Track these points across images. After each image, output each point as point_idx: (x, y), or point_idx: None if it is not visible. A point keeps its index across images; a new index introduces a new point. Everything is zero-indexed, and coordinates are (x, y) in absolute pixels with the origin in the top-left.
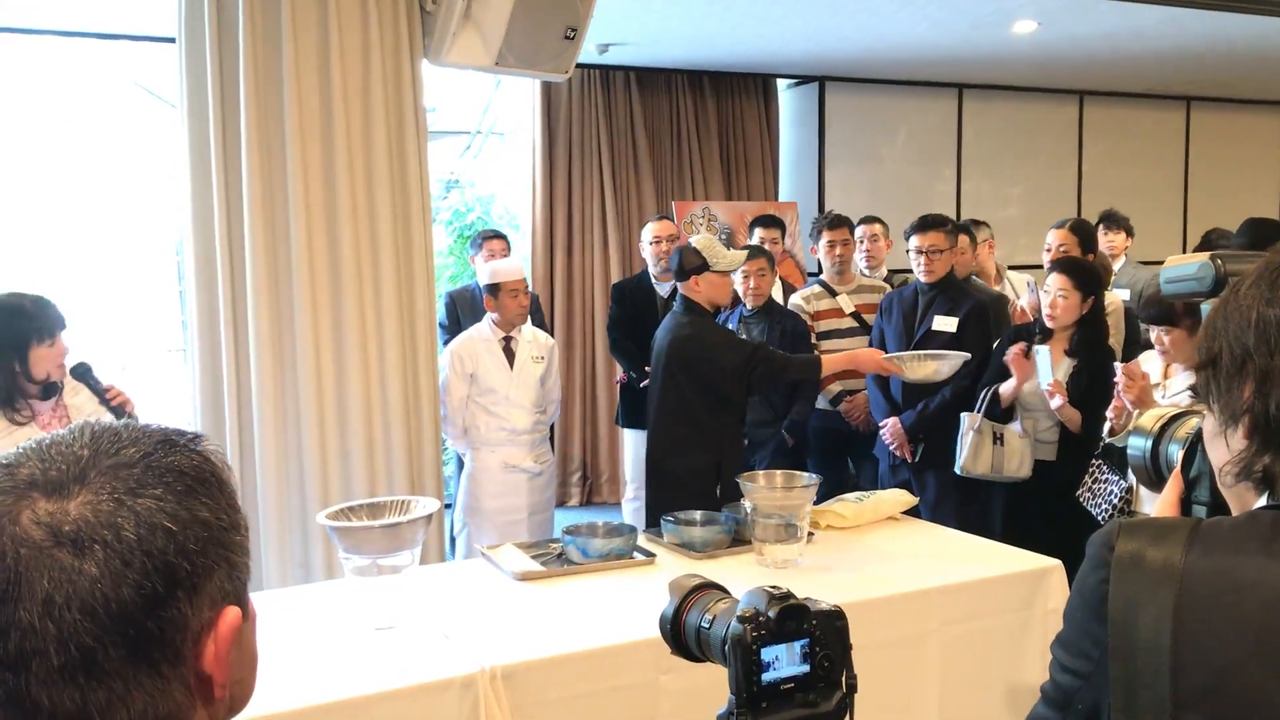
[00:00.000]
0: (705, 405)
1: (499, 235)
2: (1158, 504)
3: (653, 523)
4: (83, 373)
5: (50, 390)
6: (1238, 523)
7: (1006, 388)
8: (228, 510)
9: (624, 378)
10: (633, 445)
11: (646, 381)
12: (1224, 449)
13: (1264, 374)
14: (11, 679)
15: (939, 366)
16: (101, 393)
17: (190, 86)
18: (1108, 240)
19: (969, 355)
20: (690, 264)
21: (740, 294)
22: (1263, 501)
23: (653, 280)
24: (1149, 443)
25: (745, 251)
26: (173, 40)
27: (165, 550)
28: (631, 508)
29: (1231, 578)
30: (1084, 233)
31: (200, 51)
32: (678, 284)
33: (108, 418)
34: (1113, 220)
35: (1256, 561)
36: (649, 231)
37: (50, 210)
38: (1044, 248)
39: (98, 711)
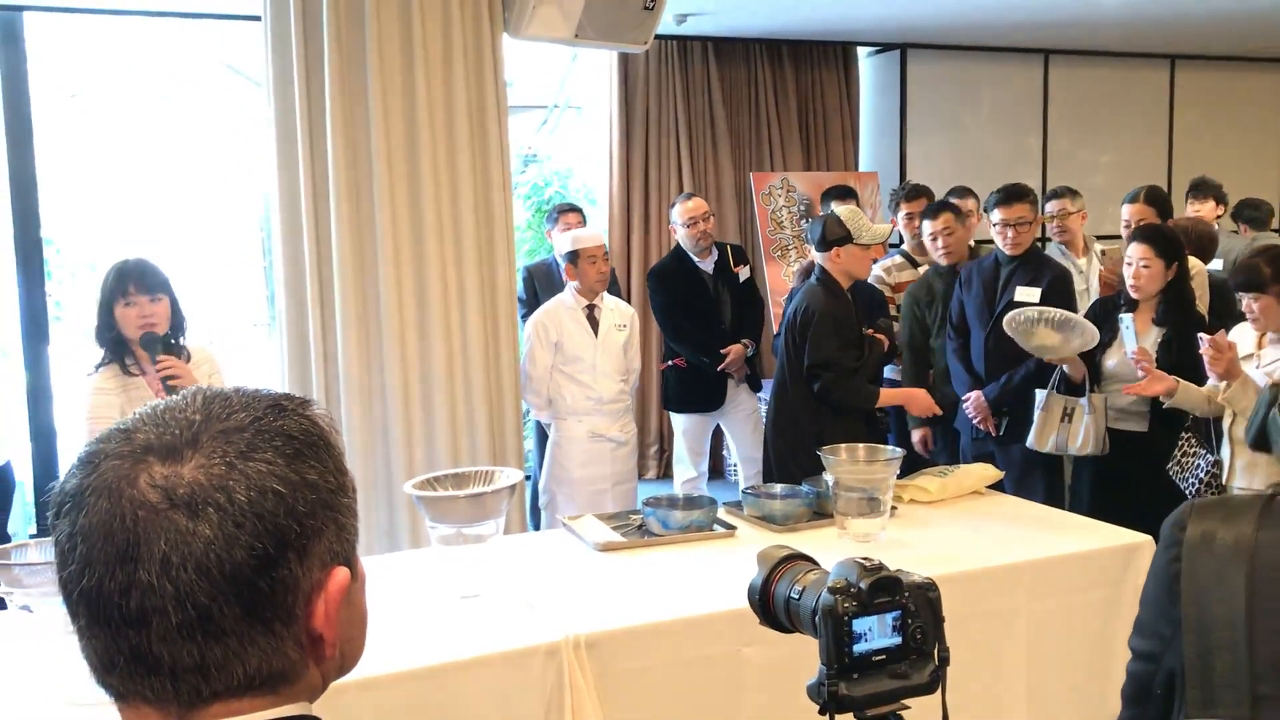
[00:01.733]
0: (811, 378)
1: (575, 209)
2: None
3: (771, 479)
4: (147, 343)
5: (170, 348)
6: None
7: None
8: (335, 473)
9: (679, 361)
10: (684, 429)
11: (723, 365)
12: None
13: None
14: (134, 635)
15: (1066, 337)
16: (154, 361)
17: (275, 65)
18: (1194, 210)
19: (1096, 331)
20: (834, 235)
21: (905, 233)
22: None
23: (693, 258)
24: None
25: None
26: (258, 19)
27: (275, 512)
28: (686, 489)
29: None
30: (1159, 201)
31: (285, 30)
32: (817, 254)
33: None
34: (1202, 188)
35: None
36: (683, 212)
37: (143, 188)
38: (1121, 222)
39: (215, 667)
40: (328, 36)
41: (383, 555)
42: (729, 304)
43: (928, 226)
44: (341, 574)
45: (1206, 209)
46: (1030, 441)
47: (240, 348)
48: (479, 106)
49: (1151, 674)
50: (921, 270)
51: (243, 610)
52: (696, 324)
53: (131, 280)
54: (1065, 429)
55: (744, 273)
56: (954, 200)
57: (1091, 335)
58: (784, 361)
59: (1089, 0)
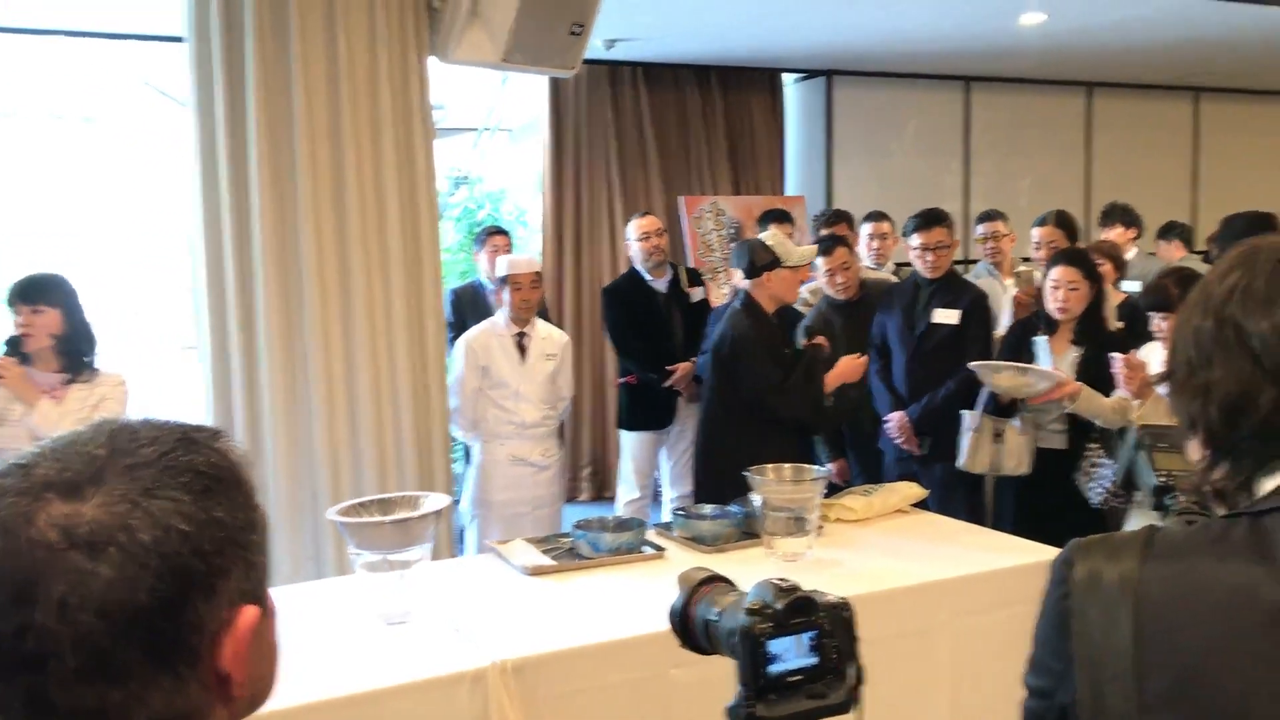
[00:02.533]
0: (740, 405)
1: (502, 231)
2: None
3: (701, 500)
4: (7, 344)
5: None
6: (1189, 533)
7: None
8: (245, 509)
9: (631, 379)
10: (631, 448)
11: (670, 381)
12: (1189, 458)
13: (1205, 387)
14: (30, 680)
15: (1031, 381)
16: None
17: (199, 85)
18: (1106, 234)
19: (1062, 375)
20: (762, 260)
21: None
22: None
23: (646, 277)
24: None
25: (815, 247)
26: (181, 40)
27: (180, 552)
28: (628, 511)
29: (1186, 583)
30: (1067, 224)
31: (208, 51)
32: (746, 280)
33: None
34: (1111, 214)
35: (1208, 566)
36: (636, 228)
37: (66, 209)
38: (1032, 245)
39: (114, 712)
40: (251, 58)
41: (308, 582)
42: (680, 323)
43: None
44: (250, 613)
45: (1116, 233)
46: (962, 463)
47: (169, 371)
48: (405, 128)
49: (1046, 709)
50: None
51: (145, 653)
52: (646, 341)
53: (19, 290)
54: (999, 450)
55: (697, 293)
56: (870, 225)
57: (1050, 376)
58: (712, 385)
59: (1009, 29)
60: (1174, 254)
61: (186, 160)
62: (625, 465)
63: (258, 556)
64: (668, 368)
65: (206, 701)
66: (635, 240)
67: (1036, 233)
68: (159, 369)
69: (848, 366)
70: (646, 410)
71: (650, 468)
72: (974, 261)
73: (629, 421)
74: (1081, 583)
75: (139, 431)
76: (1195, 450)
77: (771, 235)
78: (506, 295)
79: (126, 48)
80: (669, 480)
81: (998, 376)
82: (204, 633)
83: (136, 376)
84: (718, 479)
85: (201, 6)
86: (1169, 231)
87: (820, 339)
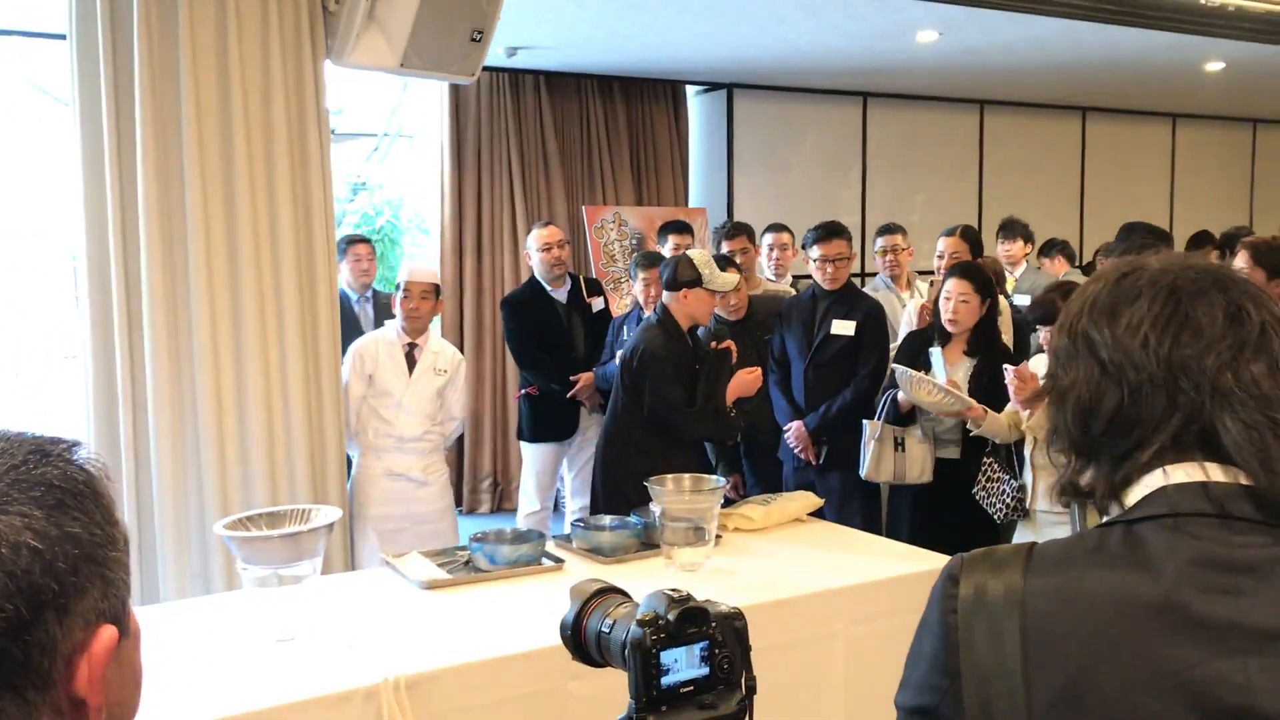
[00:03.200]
0: (642, 417)
1: (364, 240)
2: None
3: (598, 510)
4: None
5: None
6: (1067, 544)
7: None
8: (103, 524)
9: (532, 390)
10: (532, 460)
11: (573, 392)
12: (1055, 465)
13: (1063, 394)
14: None
15: (945, 400)
16: None
17: (82, 85)
18: (1005, 248)
19: (972, 403)
20: (684, 276)
21: (641, 301)
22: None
23: (546, 287)
24: None
25: (737, 276)
26: (64, 37)
27: (30, 570)
28: (529, 523)
29: (1068, 592)
30: (972, 238)
31: (93, 49)
32: (665, 293)
33: None
34: (1011, 228)
35: (1088, 575)
36: (538, 238)
37: None
38: (935, 254)
39: None
40: (138, 58)
41: (195, 599)
42: (581, 333)
43: (818, 251)
44: (108, 633)
45: (1016, 247)
46: (865, 473)
47: (53, 381)
48: (300, 132)
49: None
50: None
51: None
52: (547, 352)
53: None
54: (901, 459)
55: (597, 303)
56: (770, 236)
57: (962, 403)
58: (617, 395)
59: (905, 47)
60: (1058, 269)
61: (69, 162)
62: (526, 477)
63: (117, 574)
64: (571, 378)
65: None
66: (537, 250)
67: (942, 243)
68: (37, 378)
69: (743, 381)
70: (548, 422)
71: (552, 480)
72: (872, 275)
73: (530, 433)
74: (968, 599)
75: None
76: (1059, 455)
77: (699, 254)
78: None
79: (7, 44)
80: (571, 492)
81: (917, 388)
82: (56, 655)
83: (11, 386)
84: (616, 489)
85: (85, 3)
86: (1051, 248)
87: (728, 343)
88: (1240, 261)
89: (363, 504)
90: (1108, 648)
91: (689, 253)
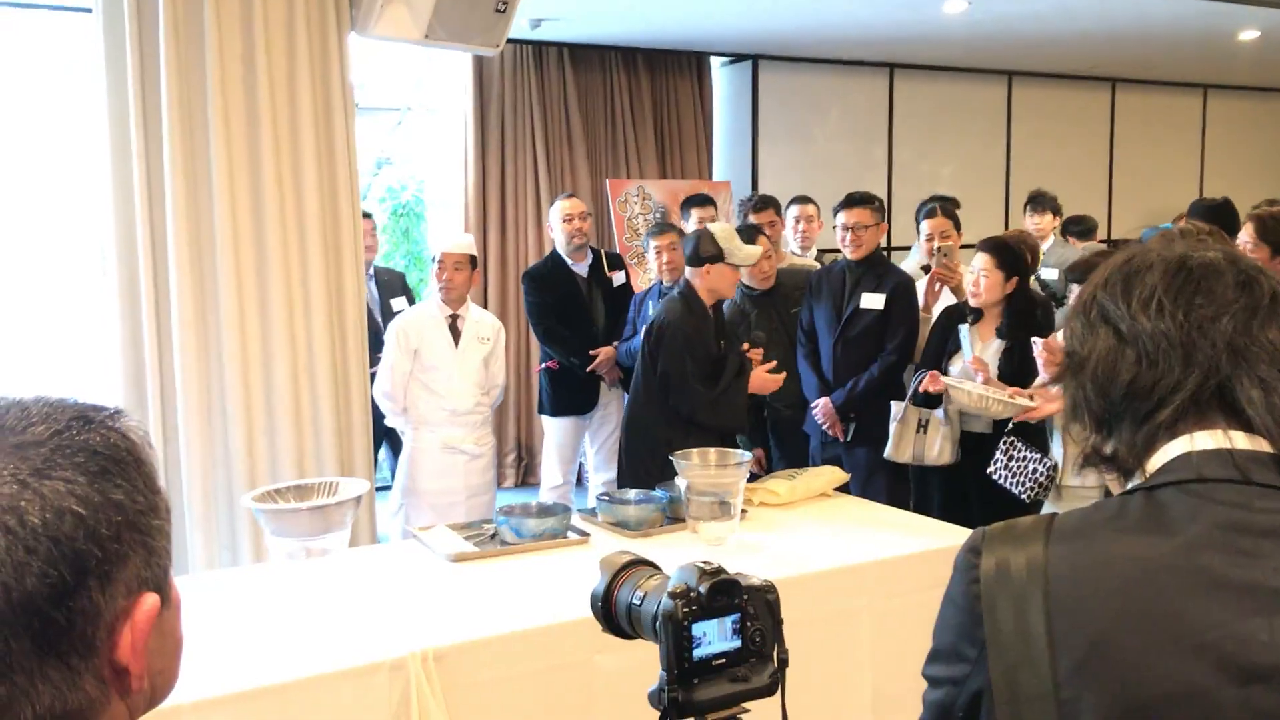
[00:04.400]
0: (663, 390)
1: (366, 215)
2: None
3: (625, 484)
4: None
5: None
6: (1087, 512)
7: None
8: (146, 492)
9: (553, 364)
10: (554, 434)
11: (593, 366)
12: (1074, 440)
13: (1080, 365)
14: None
15: (993, 407)
16: None
17: (109, 61)
18: (1034, 221)
19: (1028, 403)
20: (706, 251)
21: (655, 270)
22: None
23: (567, 260)
24: None
25: (759, 250)
26: (89, 11)
27: (74, 536)
28: (553, 496)
29: (1089, 557)
30: (953, 215)
31: (118, 24)
32: (687, 268)
33: None
34: (1039, 201)
35: (1109, 541)
36: (560, 210)
37: None
38: (924, 236)
39: None
40: (164, 31)
41: (223, 570)
42: (602, 307)
43: (841, 218)
44: (150, 601)
45: (1045, 220)
46: (888, 453)
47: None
48: (325, 106)
49: (954, 699)
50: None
51: (34, 644)
52: (568, 326)
53: None
54: (921, 440)
55: (618, 277)
56: (796, 207)
57: (1014, 405)
58: (640, 369)
59: (931, 17)
60: (1047, 224)
61: (96, 137)
62: (548, 451)
63: (159, 542)
64: (590, 352)
65: (102, 695)
66: (559, 222)
67: (926, 225)
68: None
69: (762, 378)
70: (569, 396)
71: (573, 453)
72: (901, 248)
73: (551, 407)
74: (990, 572)
75: (30, 409)
76: (1081, 428)
77: (721, 229)
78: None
79: (35, 18)
80: (594, 465)
81: (958, 393)
82: (99, 622)
83: (43, 360)
84: (642, 463)
85: None
86: (1038, 202)
87: (754, 352)
88: (1245, 235)
89: (417, 478)
90: (1131, 610)
91: (711, 227)
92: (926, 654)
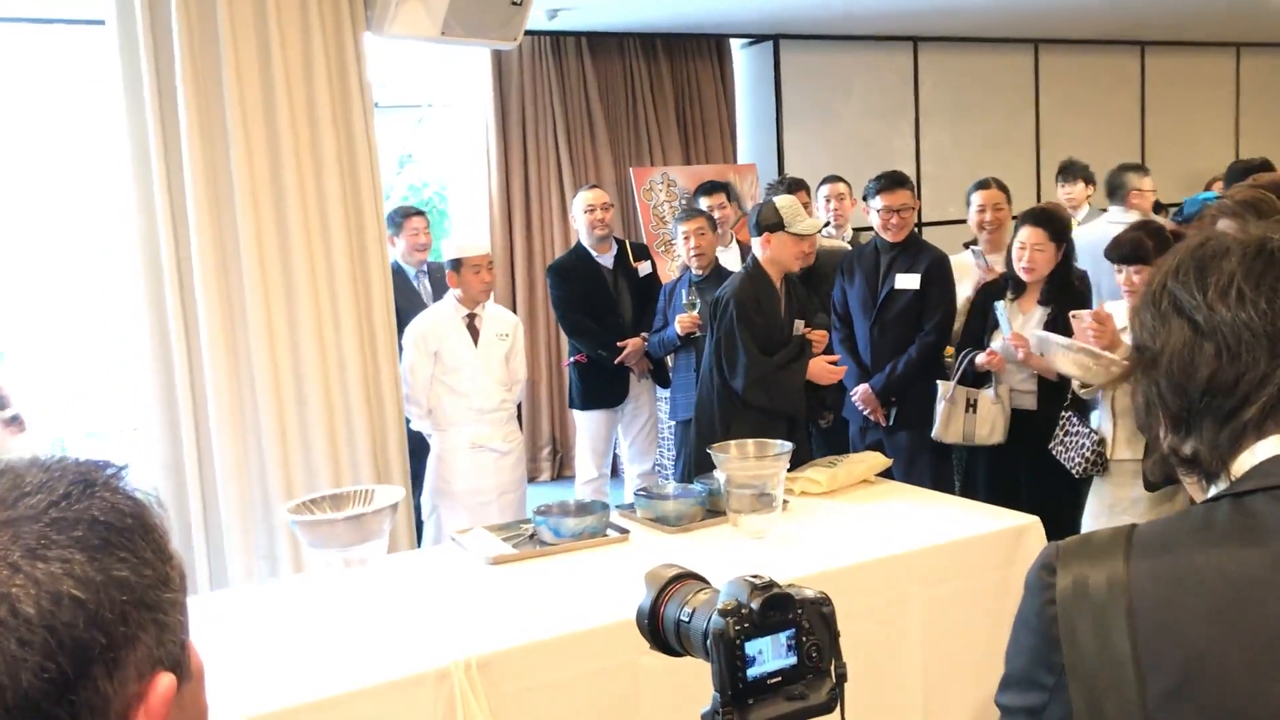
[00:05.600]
0: (720, 368)
1: (420, 212)
2: None
3: (700, 469)
4: None
5: None
6: (1170, 523)
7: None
8: (155, 563)
9: (581, 357)
10: (586, 427)
11: (620, 358)
12: (1157, 437)
13: (1153, 360)
14: None
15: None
16: None
17: (125, 70)
18: (1066, 191)
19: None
20: (767, 220)
21: (684, 256)
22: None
23: (591, 252)
24: None
25: (822, 221)
26: (103, 23)
27: (74, 624)
28: (586, 490)
29: (1177, 574)
30: (1004, 187)
31: (133, 33)
32: (752, 238)
33: None
34: (1070, 170)
35: (1197, 555)
36: (582, 200)
37: None
38: (975, 209)
39: None
40: (178, 39)
41: (262, 584)
42: (628, 298)
43: (882, 201)
44: (165, 682)
45: (1077, 190)
46: (936, 433)
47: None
48: (343, 107)
49: None
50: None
51: None
52: (594, 318)
53: None
54: (971, 419)
55: (644, 267)
56: (827, 186)
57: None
58: (709, 350)
59: None
60: (1079, 195)
61: (116, 149)
62: (581, 445)
63: (173, 616)
64: (618, 344)
65: None
66: (581, 213)
67: (979, 196)
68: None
69: (821, 367)
70: (598, 389)
71: (606, 446)
72: (931, 224)
73: (581, 401)
74: (1067, 591)
75: (23, 476)
76: (1160, 427)
77: (785, 199)
78: (458, 278)
79: (53, 33)
80: (629, 457)
81: (1061, 357)
82: (109, 713)
83: (75, 380)
84: (704, 445)
85: None
86: (1069, 172)
87: (816, 333)
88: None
89: (448, 479)
90: (1226, 629)
91: (776, 198)
92: (999, 679)
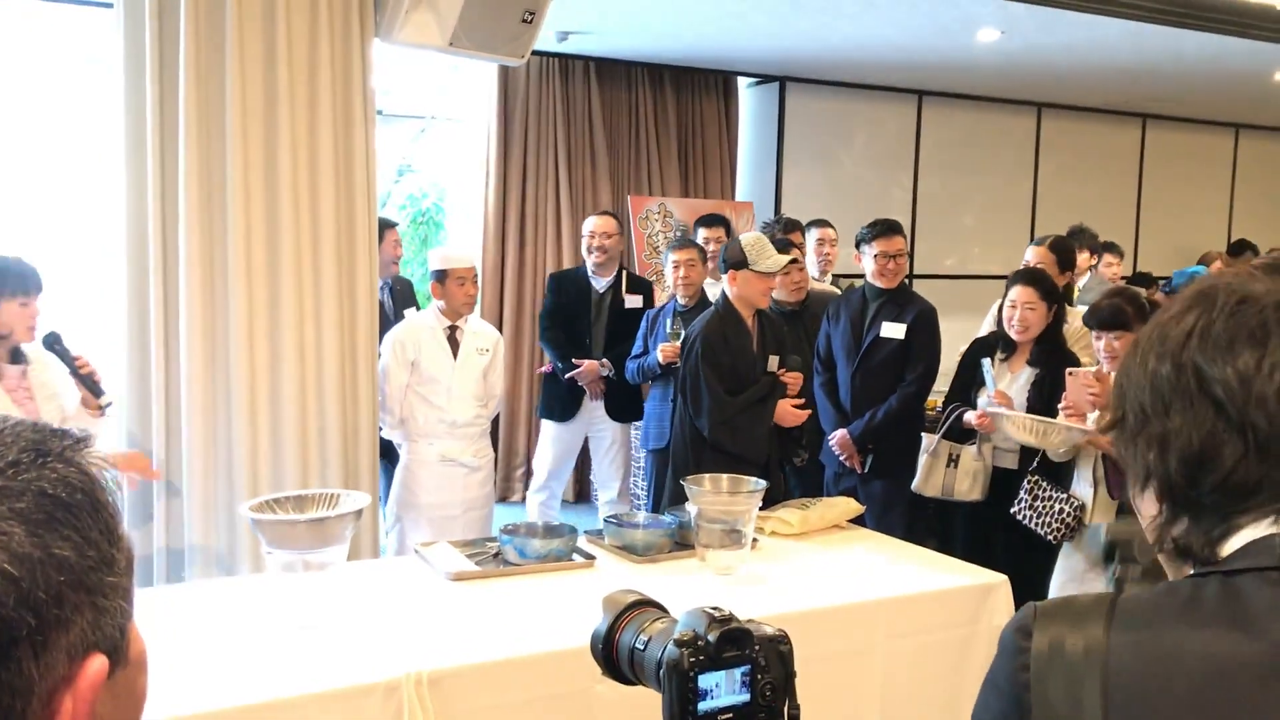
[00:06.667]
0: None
1: (394, 225)
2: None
3: (674, 501)
4: (52, 342)
5: (18, 355)
6: (1156, 596)
7: (970, 417)
8: (100, 543)
9: (549, 367)
10: (545, 435)
11: (573, 374)
12: (1140, 512)
13: (1162, 437)
14: None
15: (1056, 437)
16: (71, 361)
17: (128, 56)
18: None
19: (1087, 430)
20: (732, 258)
21: (671, 285)
22: (1189, 571)
23: (589, 274)
24: None
25: (788, 257)
26: (110, 5)
27: (3, 602)
28: (538, 499)
29: (1157, 653)
30: (1062, 250)
31: (139, 20)
32: (721, 274)
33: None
34: (1081, 238)
35: (1180, 633)
36: (588, 225)
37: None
38: (1026, 263)
39: None
40: (184, 28)
41: (218, 579)
42: (603, 324)
43: (878, 247)
44: (97, 665)
45: (1082, 258)
46: (916, 485)
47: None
48: (345, 111)
49: None
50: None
51: None
52: (565, 332)
53: (29, 278)
54: (952, 474)
55: (633, 300)
56: (817, 231)
57: (1074, 432)
58: (681, 384)
59: (963, 45)
60: (1083, 263)
61: (112, 133)
62: (541, 455)
63: (114, 601)
64: (573, 360)
65: None
66: (585, 236)
67: (1031, 252)
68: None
69: (785, 410)
70: (555, 400)
71: (562, 462)
72: (925, 276)
73: (543, 409)
74: (1042, 653)
75: None
76: (1150, 504)
77: (753, 236)
78: (442, 290)
79: (60, 14)
80: (599, 482)
81: (1011, 425)
82: (31, 695)
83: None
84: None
85: None
86: (1078, 239)
87: (791, 375)
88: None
89: (414, 492)
90: (1202, 715)
91: (741, 235)
92: None
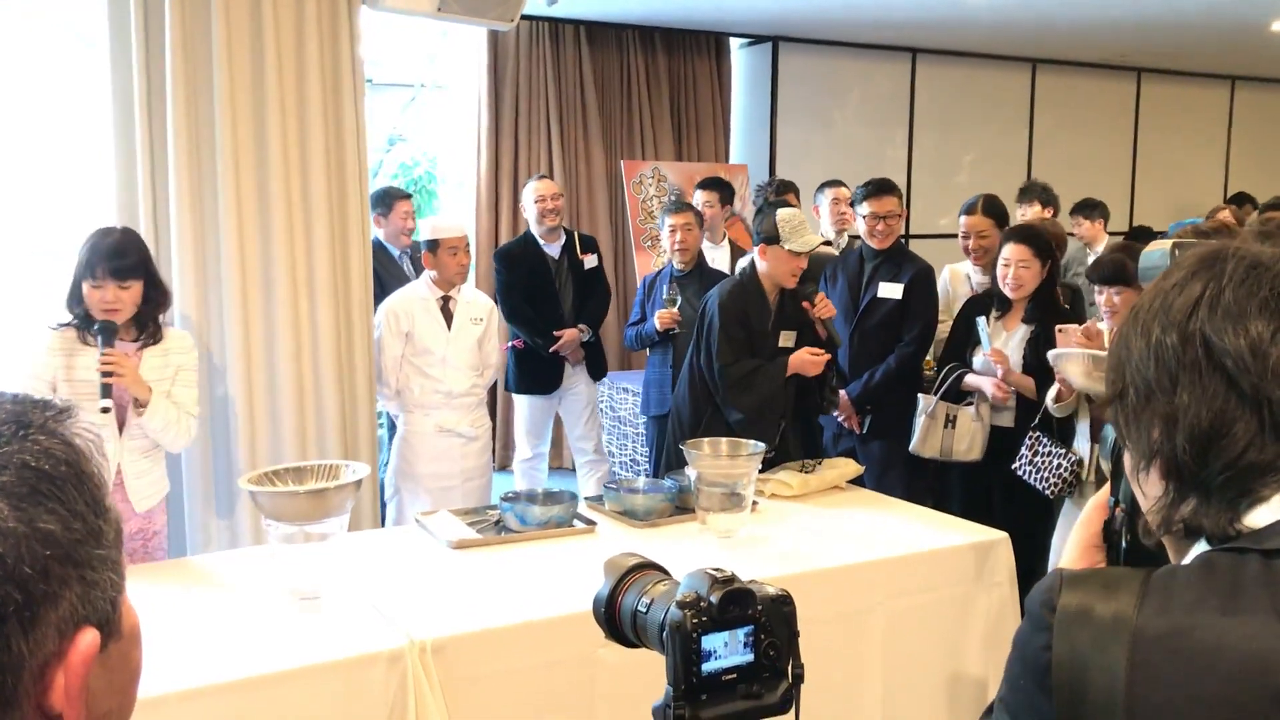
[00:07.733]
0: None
1: (409, 195)
2: (1069, 545)
3: (672, 465)
4: (102, 331)
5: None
6: (1192, 575)
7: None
8: (87, 516)
9: (519, 343)
10: (522, 410)
11: (555, 347)
12: (1141, 491)
13: (1168, 414)
14: None
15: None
16: (102, 353)
17: (112, 31)
18: (1021, 213)
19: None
20: (765, 231)
21: (667, 250)
22: (1202, 545)
23: (540, 241)
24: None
25: (819, 239)
26: None
27: None
28: (522, 468)
29: (1189, 641)
30: (996, 212)
31: None
32: (753, 245)
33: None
34: (1028, 192)
35: (1215, 623)
36: (533, 190)
37: None
38: (960, 233)
39: None
40: (169, 0)
41: (220, 553)
42: (570, 289)
43: (869, 207)
44: (88, 639)
45: (1033, 212)
46: (914, 447)
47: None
48: (334, 82)
49: None
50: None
51: None
52: (534, 306)
53: (101, 263)
54: (949, 435)
55: (590, 260)
56: (831, 190)
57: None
58: (691, 347)
59: (956, 2)
60: (1034, 216)
61: (100, 107)
62: (518, 426)
63: (103, 573)
64: (555, 333)
65: None
66: (531, 203)
67: (965, 221)
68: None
69: (802, 359)
70: (532, 375)
71: (541, 429)
72: (920, 236)
73: (516, 384)
74: (1067, 618)
75: None
76: (1154, 485)
77: (790, 213)
78: (434, 260)
79: None
80: (575, 445)
81: (1069, 364)
82: (22, 671)
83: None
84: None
85: None
86: (1027, 193)
87: (820, 305)
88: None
89: (412, 463)
90: (1237, 711)
91: (779, 210)
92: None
